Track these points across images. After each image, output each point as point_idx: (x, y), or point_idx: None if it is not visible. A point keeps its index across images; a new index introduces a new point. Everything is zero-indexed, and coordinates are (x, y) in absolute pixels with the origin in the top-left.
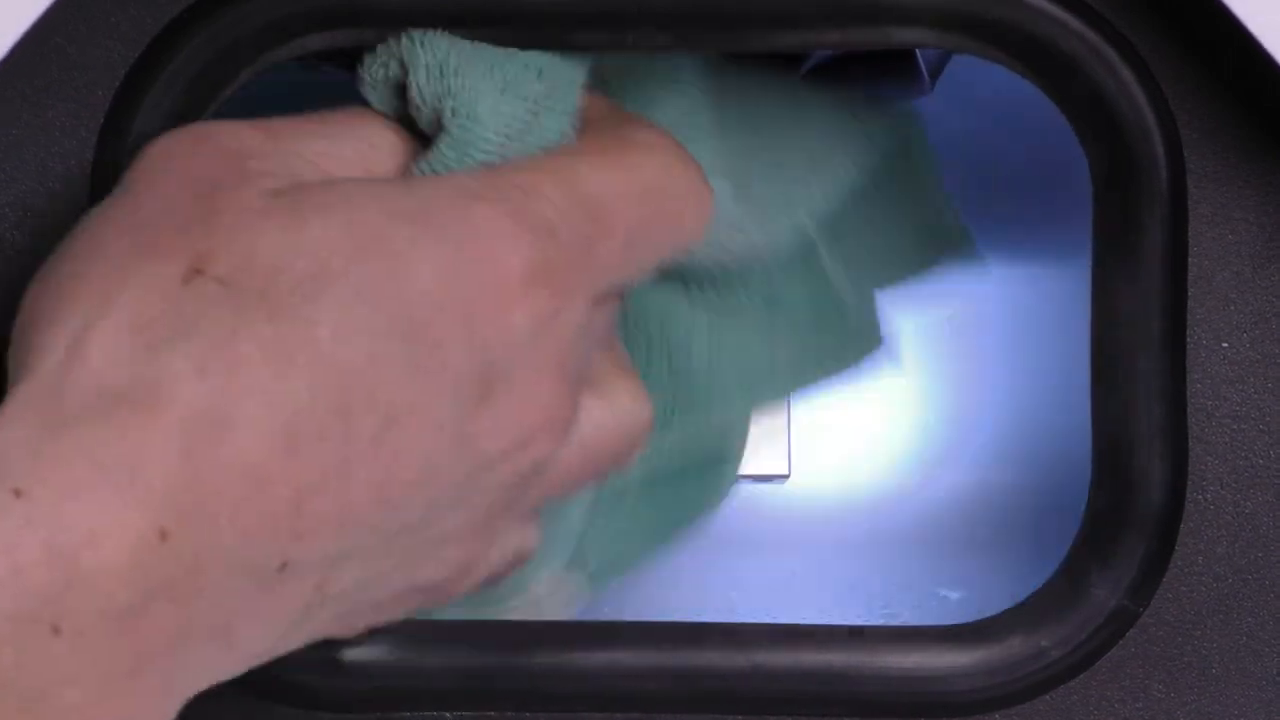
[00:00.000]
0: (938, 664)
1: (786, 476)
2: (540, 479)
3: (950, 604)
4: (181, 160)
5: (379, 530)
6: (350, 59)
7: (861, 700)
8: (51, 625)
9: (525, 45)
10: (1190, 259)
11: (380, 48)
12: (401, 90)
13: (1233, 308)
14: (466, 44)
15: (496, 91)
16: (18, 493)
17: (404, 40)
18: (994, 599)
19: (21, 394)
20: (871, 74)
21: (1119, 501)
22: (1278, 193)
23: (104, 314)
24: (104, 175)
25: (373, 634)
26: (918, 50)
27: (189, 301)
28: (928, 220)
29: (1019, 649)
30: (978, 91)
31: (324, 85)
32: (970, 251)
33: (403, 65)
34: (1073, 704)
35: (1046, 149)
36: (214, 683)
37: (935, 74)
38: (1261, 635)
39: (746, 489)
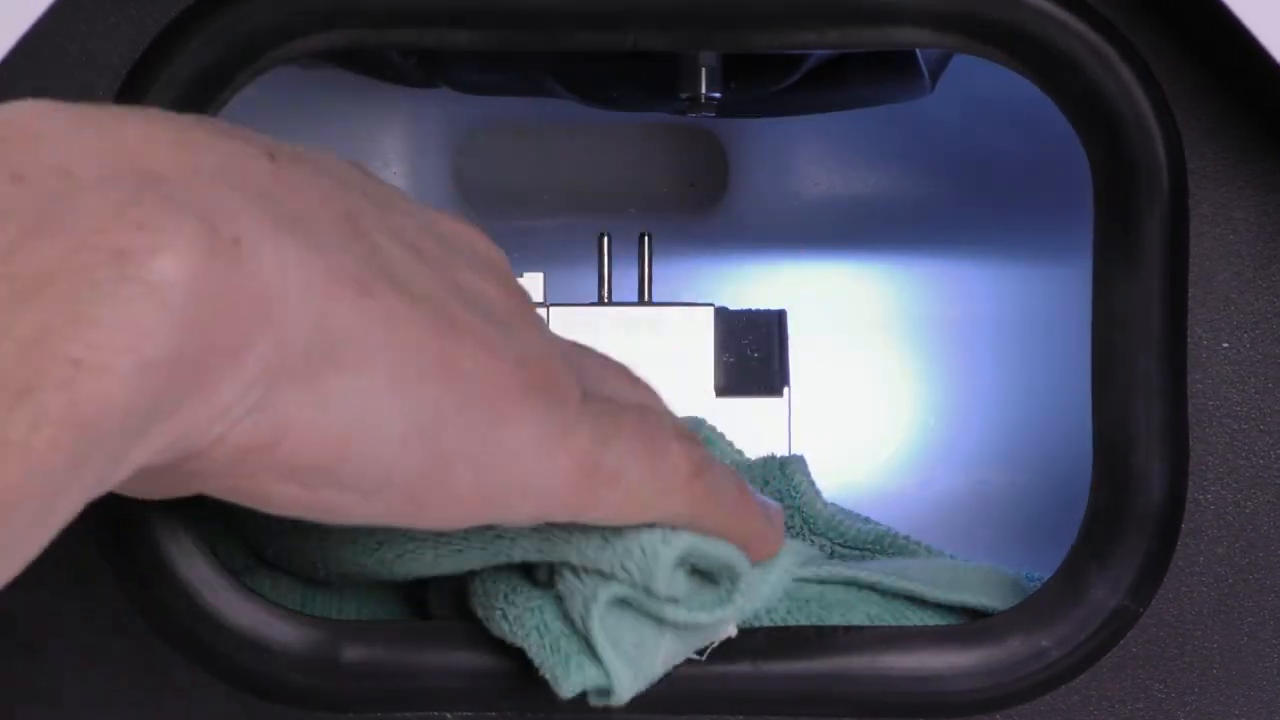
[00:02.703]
0: (938, 664)
1: None
2: None
3: None
4: None
5: None
6: (350, 59)
7: (861, 700)
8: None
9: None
10: (1190, 259)
11: None
12: None
13: (1233, 308)
14: None
15: None
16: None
17: None
18: None
19: None
20: (871, 74)
21: (1119, 501)
22: (1278, 193)
23: None
24: None
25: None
26: (918, 50)
27: None
28: None
29: (1019, 649)
30: (978, 91)
31: (324, 85)
32: None
33: None
34: (1073, 704)
35: (1047, 149)
36: None
37: (935, 74)
38: (1261, 635)
39: None
